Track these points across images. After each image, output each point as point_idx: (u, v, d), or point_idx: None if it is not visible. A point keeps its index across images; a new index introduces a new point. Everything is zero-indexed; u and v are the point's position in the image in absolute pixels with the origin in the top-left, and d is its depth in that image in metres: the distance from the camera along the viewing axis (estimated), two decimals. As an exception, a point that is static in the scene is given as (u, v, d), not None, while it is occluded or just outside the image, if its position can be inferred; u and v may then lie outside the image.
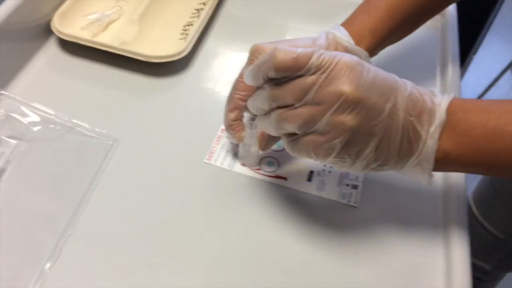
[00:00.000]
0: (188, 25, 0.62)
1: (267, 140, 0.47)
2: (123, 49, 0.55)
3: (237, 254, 0.43)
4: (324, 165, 0.50)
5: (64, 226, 0.43)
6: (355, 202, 0.47)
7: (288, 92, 0.35)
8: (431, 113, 0.36)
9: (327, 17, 0.65)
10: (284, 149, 0.51)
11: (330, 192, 0.48)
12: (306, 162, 0.50)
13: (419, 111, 0.36)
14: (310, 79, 0.34)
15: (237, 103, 0.46)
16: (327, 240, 0.44)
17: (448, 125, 0.36)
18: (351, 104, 0.34)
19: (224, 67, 0.60)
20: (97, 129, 0.50)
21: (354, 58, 0.35)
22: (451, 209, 0.46)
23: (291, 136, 0.38)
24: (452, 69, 0.58)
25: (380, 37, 0.48)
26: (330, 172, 0.49)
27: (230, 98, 0.46)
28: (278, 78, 0.36)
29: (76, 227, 0.44)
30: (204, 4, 0.64)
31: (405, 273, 0.43)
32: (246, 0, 0.67)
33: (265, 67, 0.35)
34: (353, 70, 0.34)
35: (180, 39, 0.60)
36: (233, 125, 0.46)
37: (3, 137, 0.48)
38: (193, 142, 0.51)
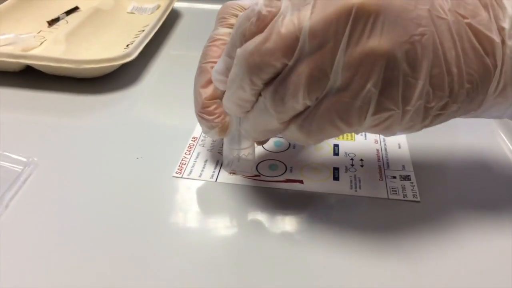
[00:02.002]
0: (132, 43, 0.48)
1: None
2: (47, 57, 0.40)
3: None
4: (352, 159, 0.34)
5: None
6: (414, 196, 0.31)
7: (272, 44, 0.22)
8: (495, 8, 0.24)
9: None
10: (287, 148, 0.36)
11: (372, 189, 0.31)
12: (325, 158, 0.34)
13: (473, 11, 0.23)
14: (293, 17, 0.22)
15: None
16: (386, 251, 0.27)
17: None
18: (368, 17, 0.21)
19: (182, 75, 0.45)
20: (-2, 151, 0.32)
21: None
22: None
23: (301, 115, 0.24)
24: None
25: None
26: (362, 166, 0.33)
27: (201, 70, 0.31)
28: None
29: None
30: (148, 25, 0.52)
31: (494, 274, 0.26)
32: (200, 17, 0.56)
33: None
34: None
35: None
36: (210, 108, 0.30)
37: None
38: (154, 158, 0.34)
